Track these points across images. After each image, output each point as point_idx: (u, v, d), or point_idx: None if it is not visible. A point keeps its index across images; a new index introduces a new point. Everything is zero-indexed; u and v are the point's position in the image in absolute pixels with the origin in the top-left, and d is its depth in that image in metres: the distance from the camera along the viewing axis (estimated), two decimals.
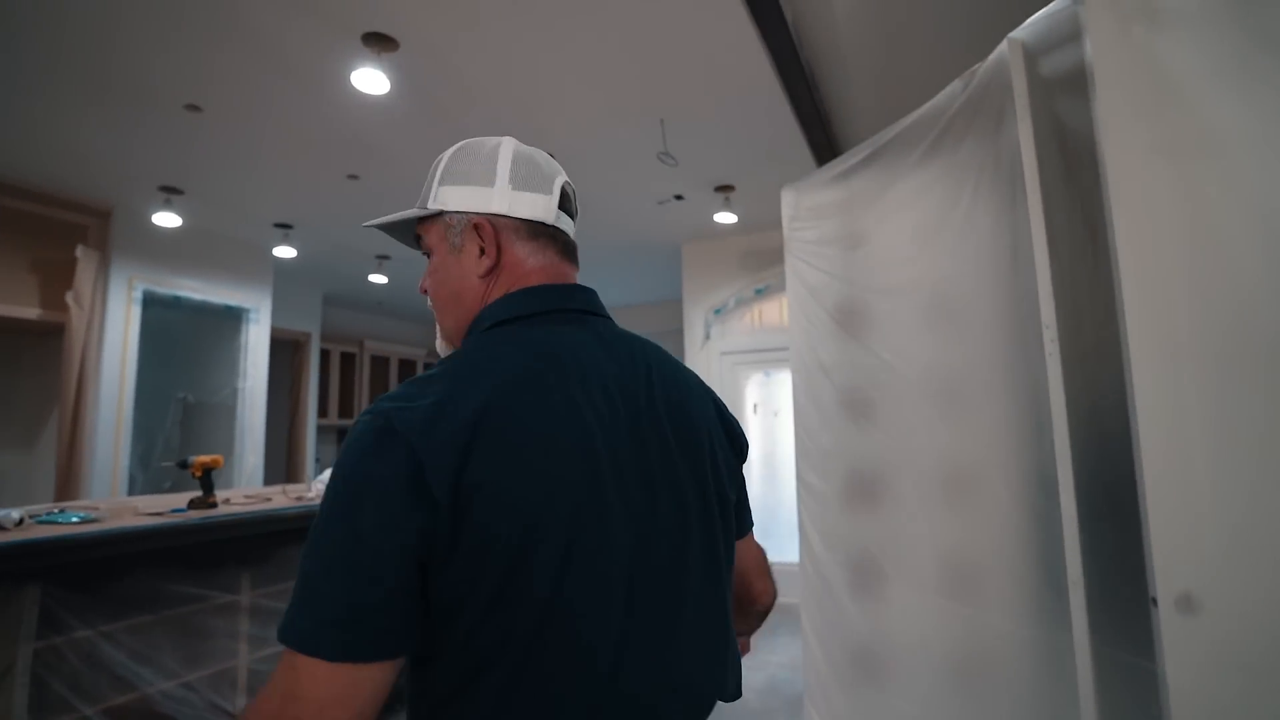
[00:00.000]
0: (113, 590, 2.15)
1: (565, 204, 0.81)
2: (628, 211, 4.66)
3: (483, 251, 0.76)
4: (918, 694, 1.74)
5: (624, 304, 7.93)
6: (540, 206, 0.78)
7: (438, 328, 0.84)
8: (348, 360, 7.40)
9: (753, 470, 5.06)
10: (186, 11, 2.43)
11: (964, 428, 1.68)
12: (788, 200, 2.35)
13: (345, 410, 7.36)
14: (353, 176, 3.95)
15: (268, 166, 3.80)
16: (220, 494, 2.75)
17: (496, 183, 0.76)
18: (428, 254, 0.83)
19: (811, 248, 2.19)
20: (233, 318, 5.08)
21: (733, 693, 0.75)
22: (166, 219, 4.18)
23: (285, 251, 4.98)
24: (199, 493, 2.35)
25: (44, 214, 4.07)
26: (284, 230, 4.83)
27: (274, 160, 3.72)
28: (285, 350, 6.64)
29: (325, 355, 7.05)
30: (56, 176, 3.89)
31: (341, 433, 7.60)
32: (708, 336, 5.30)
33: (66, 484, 4.05)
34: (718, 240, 5.32)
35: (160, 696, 2.25)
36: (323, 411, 7.00)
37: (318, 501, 2.59)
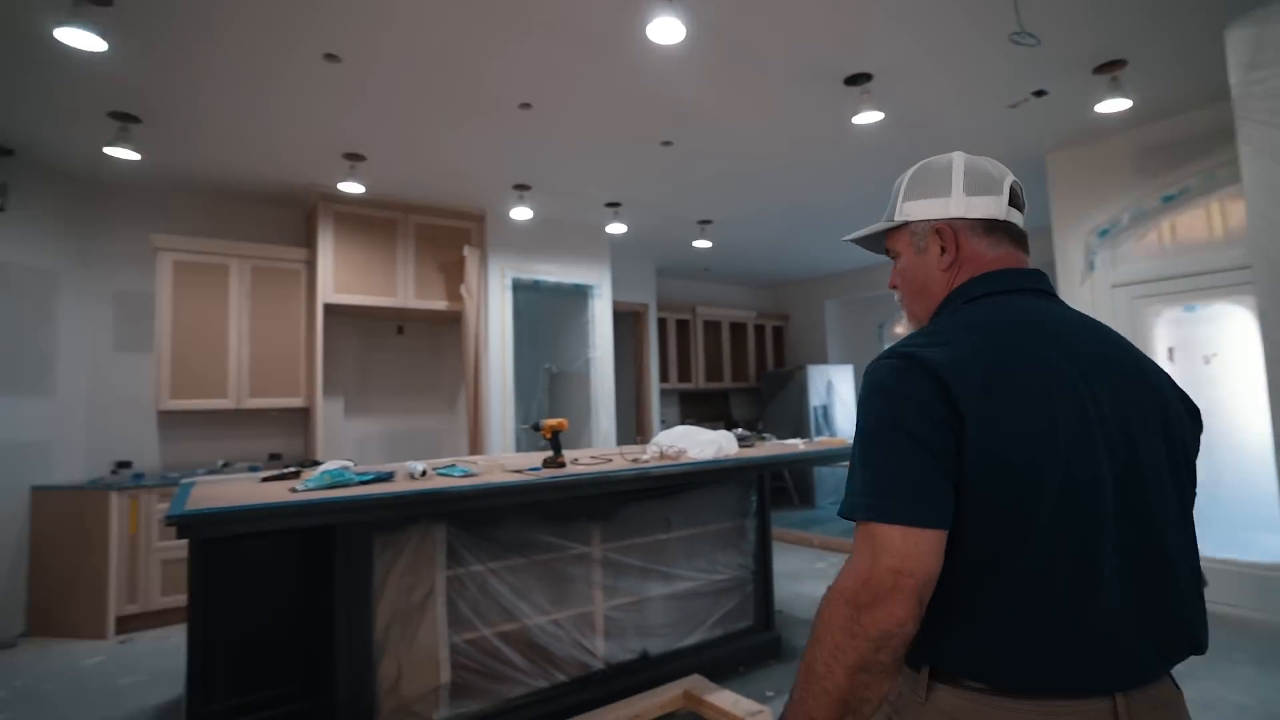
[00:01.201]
0: (493, 534, 2.49)
1: (1014, 200, 0.92)
2: (965, 125, 3.89)
3: (943, 249, 0.90)
4: None
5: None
6: (992, 206, 0.90)
7: (905, 313, 0.99)
8: (682, 327, 7.81)
9: None
10: (506, 13, 2.64)
11: None
12: (1240, 41, 1.59)
13: (684, 374, 7.80)
14: (666, 143, 4.01)
15: (591, 147, 4.07)
16: (571, 454, 3.03)
17: (953, 191, 0.90)
18: (895, 258, 0.98)
19: None
20: (580, 295, 5.70)
21: (1205, 646, 0.79)
22: (521, 213, 4.81)
23: (617, 228, 5.37)
24: (551, 453, 2.58)
25: (441, 224, 5.02)
26: (614, 208, 5.20)
27: (595, 140, 3.96)
28: (628, 321, 7.28)
29: (663, 324, 7.54)
30: (446, 191, 4.75)
31: (682, 395, 8.12)
32: (1091, 267, 4.19)
33: (475, 441, 5.01)
34: (1098, 142, 4.14)
35: (536, 629, 2.56)
36: (664, 376, 7.52)
37: (652, 464, 2.68)
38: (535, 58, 3.01)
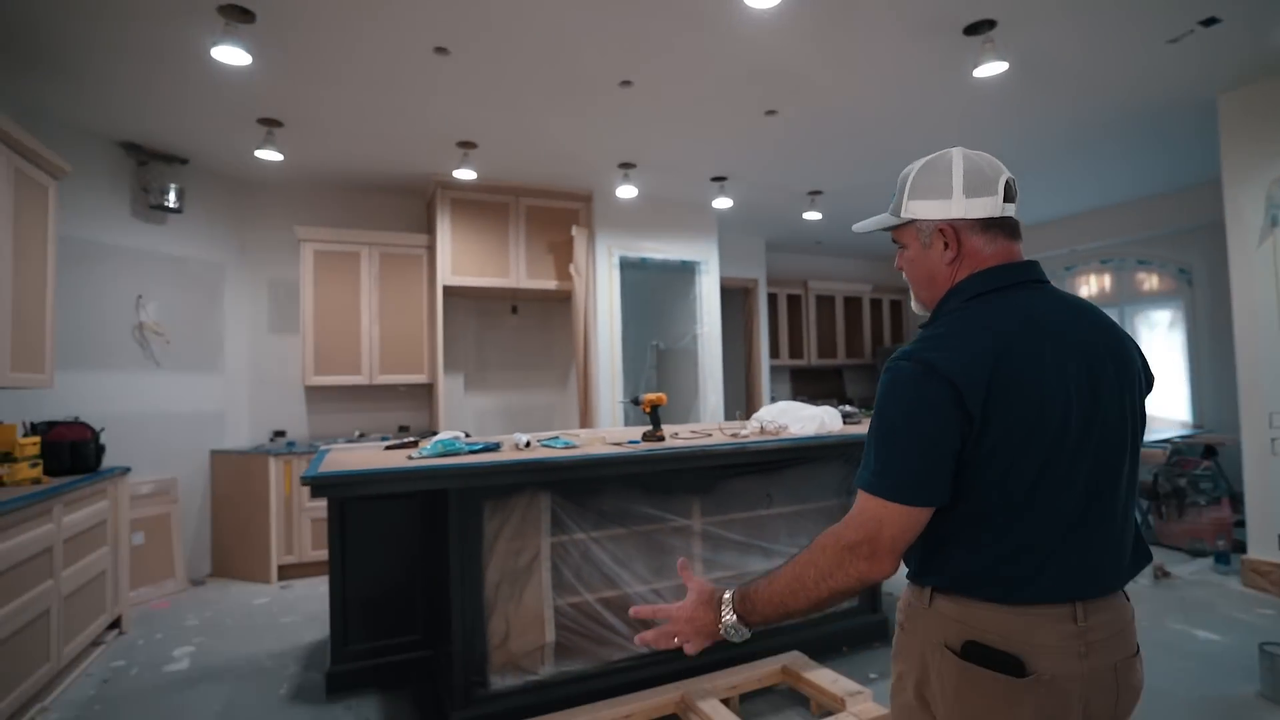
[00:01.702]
0: (595, 504, 2.57)
1: (1008, 195, 1.01)
2: (1110, 69, 3.46)
3: (946, 246, 1.02)
4: None
5: (1111, 202, 6.11)
6: (989, 206, 1.00)
7: (913, 296, 1.12)
8: (794, 302, 7.61)
9: None
10: None
11: None
12: None
13: (795, 350, 7.61)
14: (770, 112, 3.89)
15: (694, 122, 4.02)
16: (671, 428, 3.06)
17: (954, 194, 1.00)
18: (901, 246, 1.10)
19: None
20: (687, 271, 5.69)
21: (1149, 557, 1.03)
22: (626, 191, 4.86)
23: (723, 202, 5.30)
24: (650, 427, 2.62)
25: (550, 206, 5.18)
26: (719, 183, 5.12)
27: (698, 114, 3.91)
28: (736, 297, 7.19)
29: (773, 299, 7.38)
30: (554, 173, 4.88)
31: (793, 372, 7.93)
32: (1274, 223, 3.63)
33: (584, 416, 5.17)
34: None
35: (635, 597, 2.63)
36: (774, 352, 7.38)
37: (751, 439, 2.65)
38: (632, 33, 3.01)
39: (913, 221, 1.05)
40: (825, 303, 7.78)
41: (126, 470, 3.51)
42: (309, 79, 3.34)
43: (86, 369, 3.87)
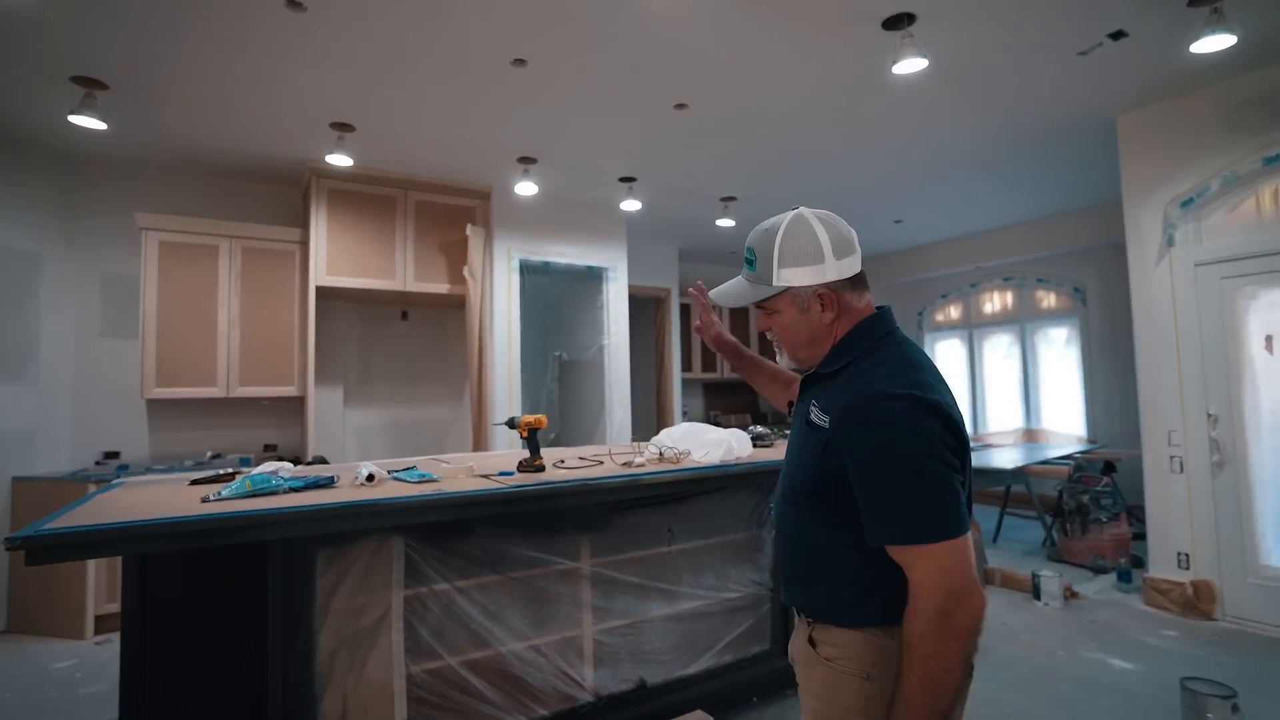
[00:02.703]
0: (461, 547, 2.15)
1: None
2: (1022, 78, 3.37)
3: (824, 307, 1.09)
4: None
5: (1017, 220, 6.23)
6: (855, 263, 1.10)
7: (784, 354, 1.18)
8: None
9: (1263, 438, 3.35)
10: None
11: None
12: None
13: (708, 364, 7.39)
14: (680, 105, 3.60)
15: (597, 113, 3.67)
16: (558, 453, 2.67)
17: (826, 260, 1.07)
18: (769, 311, 1.14)
19: None
20: (594, 278, 5.32)
21: None
22: (526, 188, 4.46)
23: (632, 204, 4.98)
24: (527, 454, 2.23)
25: (444, 202, 4.70)
26: (628, 184, 4.80)
27: (601, 104, 3.56)
28: (647, 307, 6.88)
29: (685, 310, 7.13)
30: (447, 165, 4.41)
31: (706, 386, 7.69)
32: (1170, 242, 3.64)
33: (478, 434, 4.70)
34: (1183, 96, 3.59)
35: (511, 657, 2.21)
36: (686, 365, 7.12)
37: (646, 469, 2.26)
38: (525, 4, 2.63)
39: (788, 289, 1.08)
40: (740, 315, 7.60)
41: None
42: (136, 29, 2.76)
43: None
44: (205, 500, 1.66)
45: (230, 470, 2.17)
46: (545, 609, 2.31)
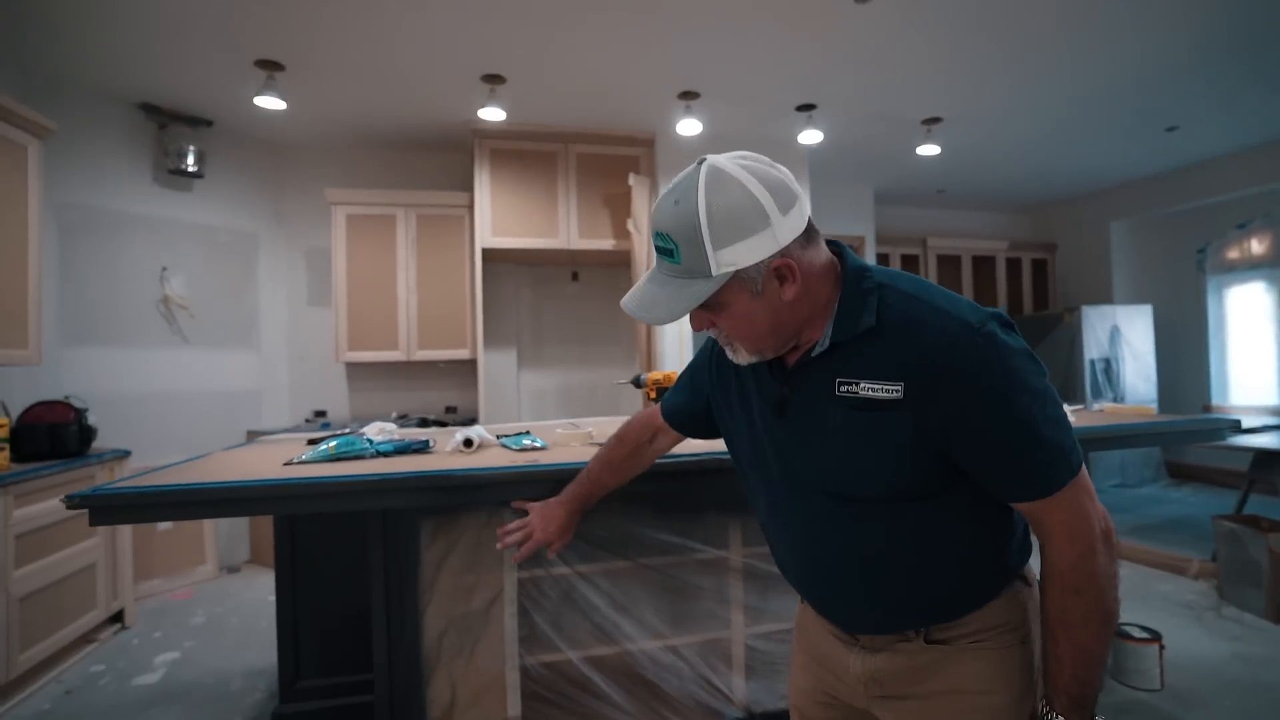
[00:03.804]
0: (585, 526, 1.84)
1: None
2: None
3: (785, 280, 0.83)
4: None
5: (1175, 167, 4.44)
6: (803, 212, 0.84)
7: (743, 351, 0.90)
8: (909, 263, 6.44)
9: None
10: None
11: None
12: None
13: None
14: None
15: (766, 22, 3.11)
16: None
17: (771, 218, 0.79)
18: (712, 308, 0.86)
19: None
20: None
21: None
22: (690, 127, 4.03)
23: (812, 136, 4.30)
24: None
25: (606, 153, 4.44)
26: (806, 112, 4.15)
27: (771, 9, 3.00)
28: None
29: (883, 260, 6.25)
30: (607, 111, 4.12)
31: None
32: None
33: (648, 400, 4.44)
34: None
35: (643, 656, 1.88)
36: None
37: None
38: None
39: (734, 274, 0.81)
40: (949, 263, 6.52)
41: (125, 454, 3.20)
42: (299, 6, 2.79)
43: (102, 345, 3.63)
44: (286, 464, 1.51)
45: (358, 429, 2.07)
46: (685, 604, 1.94)
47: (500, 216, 4.24)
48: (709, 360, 1.15)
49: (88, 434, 3.05)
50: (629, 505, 1.87)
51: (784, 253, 0.81)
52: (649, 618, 1.90)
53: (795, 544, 1.00)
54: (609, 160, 4.44)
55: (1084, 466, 0.81)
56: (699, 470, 1.73)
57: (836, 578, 0.96)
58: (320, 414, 4.57)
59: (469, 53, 3.30)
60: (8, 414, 2.83)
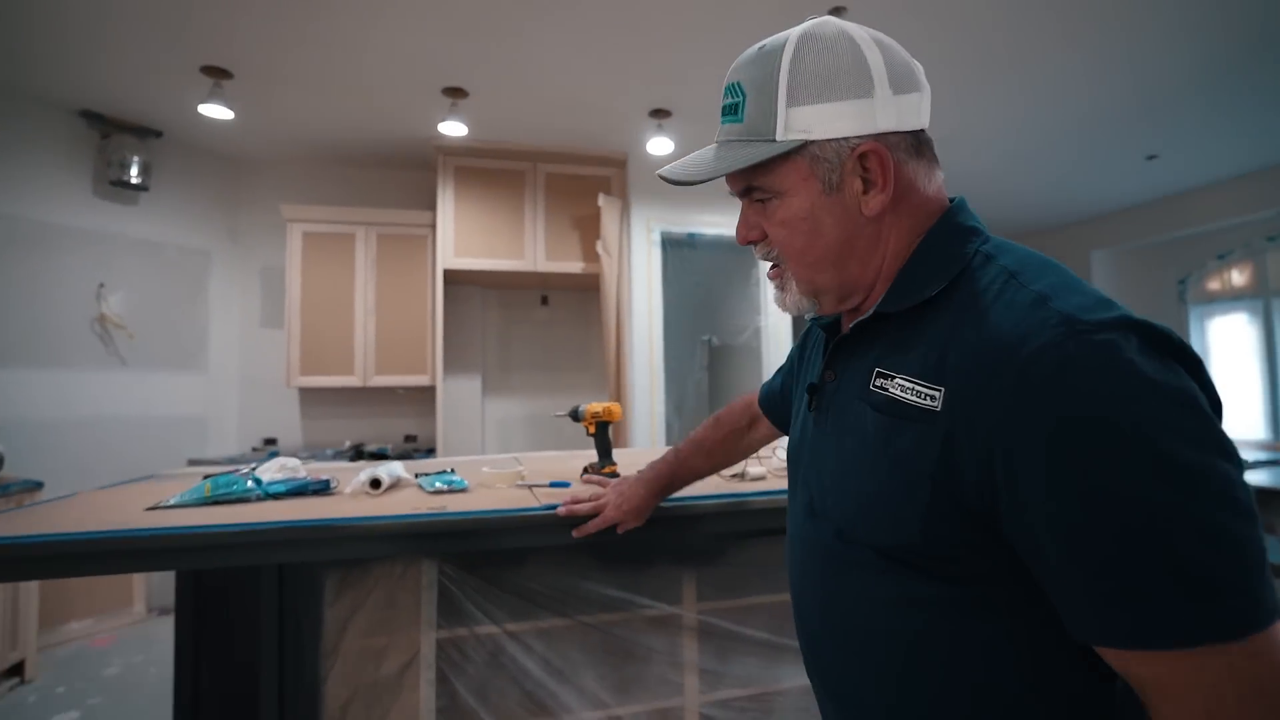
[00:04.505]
0: (513, 579, 1.62)
1: None
2: None
3: (871, 182, 0.61)
4: None
5: (1156, 196, 4.39)
6: (923, 110, 0.63)
7: (793, 287, 0.67)
8: None
9: None
10: None
11: None
12: None
13: None
14: (838, 9, 2.79)
15: (736, 35, 2.98)
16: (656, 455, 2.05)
17: (876, 90, 0.59)
18: (761, 198, 0.66)
19: None
20: (747, 251, 4.60)
21: None
22: (661, 146, 3.89)
23: None
24: (597, 459, 1.64)
25: (576, 173, 4.28)
26: None
27: (739, 24, 2.87)
28: None
29: None
30: (574, 130, 3.97)
31: None
32: None
33: (617, 429, 4.23)
34: None
35: None
36: None
37: (755, 489, 1.26)
38: None
39: (804, 146, 0.59)
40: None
41: (36, 485, 2.93)
42: (247, 10, 2.62)
43: (27, 366, 3.37)
44: (150, 509, 1.28)
45: (249, 466, 1.83)
46: (631, 668, 1.71)
47: (464, 236, 4.06)
48: (804, 334, 0.92)
49: None
50: (567, 554, 1.65)
51: (881, 139, 0.60)
52: (590, 684, 1.67)
53: (797, 595, 0.75)
54: (578, 180, 4.28)
55: (1276, 633, 0.44)
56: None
57: (826, 651, 0.70)
58: (270, 442, 4.31)
59: (429, 64, 3.13)
60: None
